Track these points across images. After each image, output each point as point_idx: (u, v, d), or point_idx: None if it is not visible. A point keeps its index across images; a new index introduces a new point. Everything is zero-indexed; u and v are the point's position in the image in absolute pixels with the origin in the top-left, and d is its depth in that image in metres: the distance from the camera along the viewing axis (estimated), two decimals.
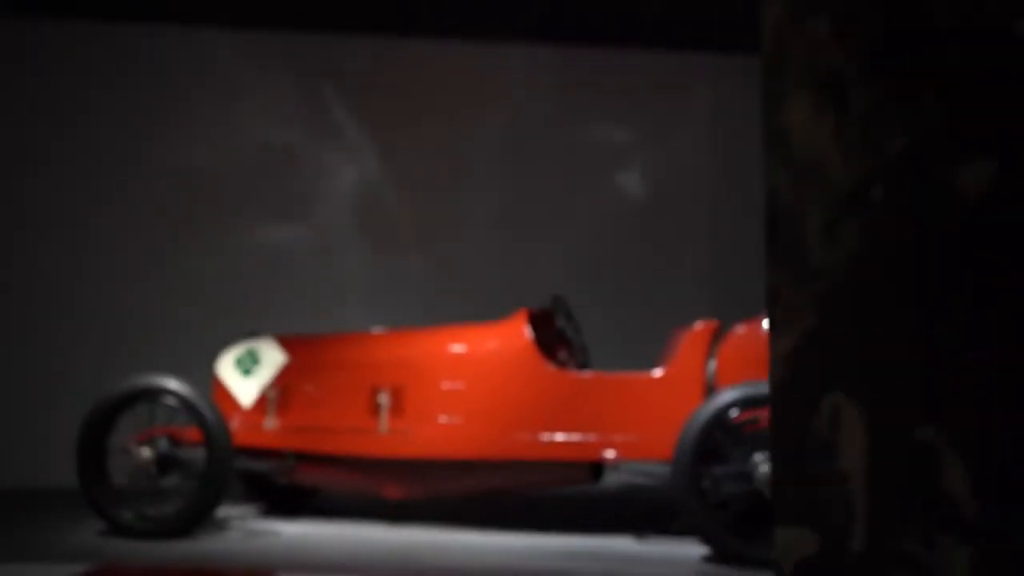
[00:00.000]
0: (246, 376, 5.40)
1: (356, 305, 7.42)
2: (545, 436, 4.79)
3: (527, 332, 4.93)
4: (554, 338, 5.29)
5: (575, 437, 4.76)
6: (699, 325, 4.75)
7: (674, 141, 7.91)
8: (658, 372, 4.77)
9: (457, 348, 5.06)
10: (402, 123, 7.70)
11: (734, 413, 4.34)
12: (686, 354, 4.70)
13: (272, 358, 5.39)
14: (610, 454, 4.71)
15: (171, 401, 4.87)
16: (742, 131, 7.80)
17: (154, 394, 4.88)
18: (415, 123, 7.69)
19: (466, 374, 4.96)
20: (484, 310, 5.79)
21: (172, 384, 4.86)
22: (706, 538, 4.30)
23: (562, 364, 5.09)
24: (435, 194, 7.70)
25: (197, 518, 4.80)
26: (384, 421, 5.03)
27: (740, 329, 4.74)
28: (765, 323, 4.69)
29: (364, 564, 4.25)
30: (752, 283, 7.55)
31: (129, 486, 4.96)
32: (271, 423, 5.24)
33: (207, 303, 7.29)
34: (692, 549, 4.62)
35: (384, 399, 5.04)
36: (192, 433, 5.01)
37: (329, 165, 7.65)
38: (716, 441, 4.33)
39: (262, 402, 5.31)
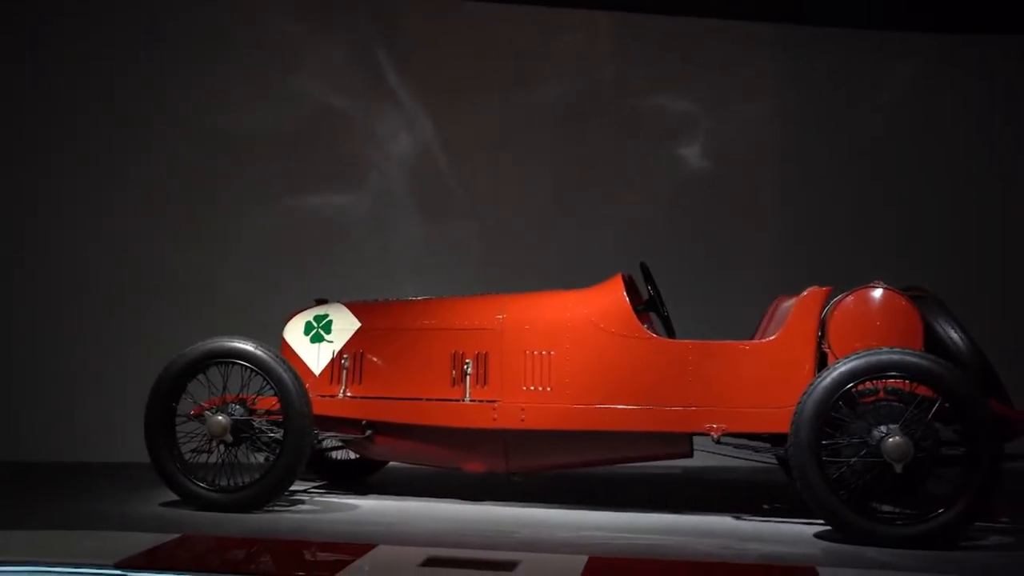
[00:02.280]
0: (316, 343, 5.13)
1: (407, 274, 7.16)
2: (644, 407, 4.53)
3: (625, 297, 4.66)
4: (641, 306, 5.02)
5: (677, 408, 4.50)
6: (810, 291, 4.48)
7: (736, 111, 7.62)
8: (767, 339, 4.50)
9: (548, 313, 4.78)
10: (457, 88, 7.41)
11: (855, 383, 4.07)
12: (797, 321, 4.43)
13: (344, 324, 5.12)
14: (715, 426, 4.44)
15: (247, 365, 4.58)
16: (806, 102, 7.57)
17: (228, 357, 4.60)
18: (470, 89, 7.41)
19: (558, 341, 4.69)
20: (540, 282, 5.54)
21: (248, 347, 4.58)
22: (827, 514, 4.04)
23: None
24: (490, 162, 7.43)
25: (275, 491, 4.53)
26: (468, 390, 4.76)
27: (849, 297, 4.48)
28: (875, 292, 4.44)
29: (462, 539, 3.99)
30: (816, 255, 7.37)
31: (199, 455, 4.69)
32: (345, 391, 4.97)
33: (256, 271, 7.03)
34: (792, 527, 4.38)
35: (468, 367, 4.77)
36: (266, 401, 4.75)
37: (382, 131, 7.37)
38: (837, 413, 4.06)
39: (334, 370, 5.05)
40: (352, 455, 5.75)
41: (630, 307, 4.63)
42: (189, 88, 7.09)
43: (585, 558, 3.55)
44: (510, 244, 7.32)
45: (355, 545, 3.69)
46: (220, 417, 4.56)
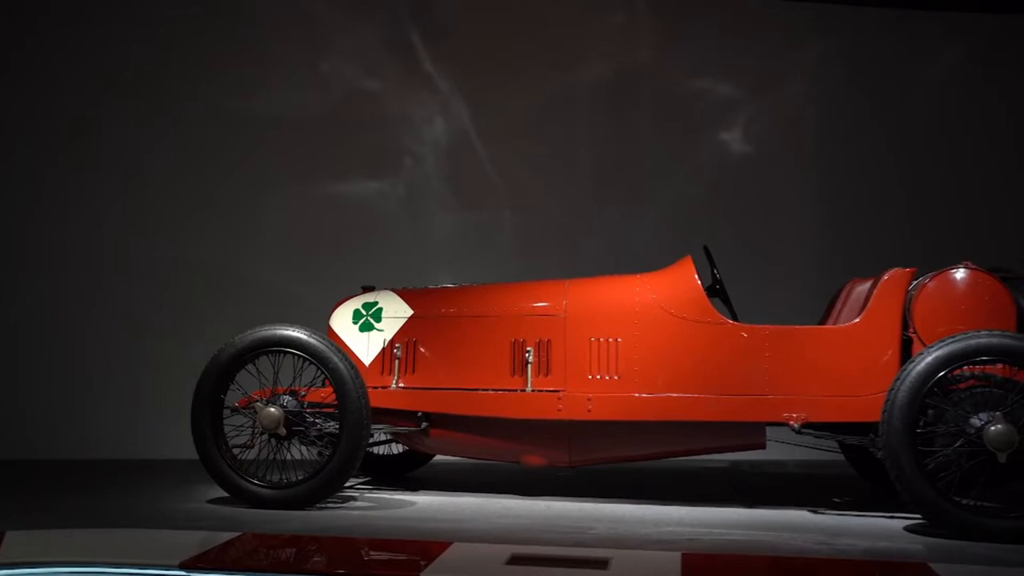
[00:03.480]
0: (366, 331, 4.90)
1: (442, 263, 6.96)
2: (717, 395, 4.31)
3: (697, 280, 4.44)
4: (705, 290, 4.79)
5: (752, 397, 4.27)
6: (893, 273, 4.26)
7: (779, 95, 7.40)
8: (848, 324, 4.28)
9: (614, 298, 4.56)
10: (493, 72, 7.19)
11: (950, 368, 3.84)
12: (881, 304, 4.21)
13: (395, 312, 4.89)
14: (794, 415, 4.22)
15: (299, 354, 4.35)
16: (850, 84, 7.35)
17: (280, 346, 4.36)
18: (507, 72, 7.19)
19: (625, 327, 4.46)
20: (579, 270, 5.31)
21: (302, 335, 4.35)
22: (924, 506, 3.81)
23: None
24: (527, 147, 7.21)
25: (330, 487, 4.29)
26: (530, 380, 4.53)
27: (934, 279, 4.25)
28: (961, 273, 4.22)
29: (538, 535, 3.76)
30: (861, 240, 7.14)
31: (245, 451, 4.45)
32: (397, 382, 4.74)
33: (286, 260, 6.83)
34: (875, 520, 4.17)
35: (530, 355, 4.54)
36: (316, 393, 4.53)
37: (416, 116, 7.15)
38: (931, 400, 3.84)
39: (385, 360, 4.82)
40: (395, 450, 5.54)
41: (702, 291, 4.41)
42: (216, 72, 6.89)
43: (678, 555, 3.32)
44: (548, 232, 7.12)
45: (429, 543, 3.46)
46: (272, 409, 4.33)
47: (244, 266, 6.72)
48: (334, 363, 4.27)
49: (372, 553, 3.41)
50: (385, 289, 5.06)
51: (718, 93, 7.38)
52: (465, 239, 7.07)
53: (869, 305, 4.22)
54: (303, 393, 4.49)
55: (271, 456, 4.42)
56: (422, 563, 3.09)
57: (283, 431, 4.32)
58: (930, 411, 3.86)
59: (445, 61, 7.12)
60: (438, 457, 5.63)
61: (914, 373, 3.84)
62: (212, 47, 6.85)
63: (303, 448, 4.40)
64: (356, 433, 4.24)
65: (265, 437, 4.41)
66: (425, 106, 7.13)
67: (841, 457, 5.20)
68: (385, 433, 4.73)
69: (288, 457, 4.42)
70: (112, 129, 6.73)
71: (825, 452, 4.93)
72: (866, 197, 7.20)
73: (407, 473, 5.65)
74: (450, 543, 3.42)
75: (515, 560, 3.21)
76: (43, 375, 6.55)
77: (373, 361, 4.83)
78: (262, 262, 6.74)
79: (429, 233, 7.04)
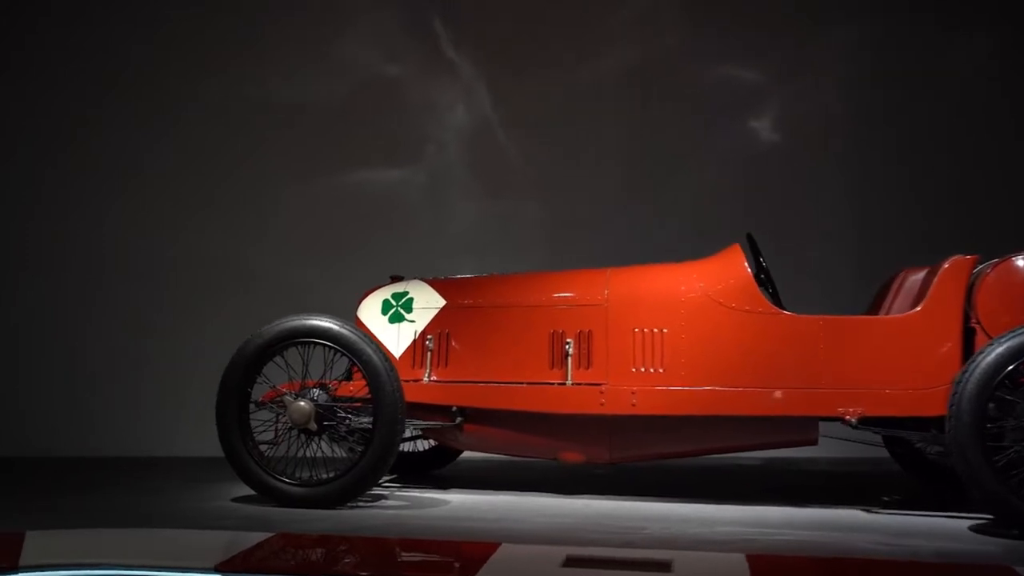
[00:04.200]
0: (396, 323, 4.70)
1: (465, 254, 6.73)
2: (769, 389, 4.10)
3: (747, 268, 4.23)
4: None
5: (806, 390, 4.07)
6: (954, 260, 4.05)
7: (810, 82, 7.18)
8: (907, 314, 4.08)
9: (658, 287, 4.35)
10: (517, 58, 6.99)
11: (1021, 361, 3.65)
12: (942, 293, 4.00)
13: (426, 303, 4.69)
14: (850, 410, 4.02)
15: (330, 345, 4.14)
16: (883, 71, 7.13)
17: (310, 337, 4.15)
18: (531, 58, 6.99)
19: (671, 317, 4.26)
20: (605, 262, 5.10)
21: (333, 325, 4.14)
22: (996, 504, 3.61)
23: None
24: (552, 135, 7.00)
25: (363, 485, 4.09)
26: (570, 372, 4.33)
27: (997, 267, 4.04)
28: (1021, 261, 4.01)
29: (589, 536, 3.56)
30: (894, 231, 6.93)
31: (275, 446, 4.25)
32: (430, 375, 4.54)
33: (305, 251, 6.64)
34: (936, 520, 3.97)
35: (570, 347, 4.34)
36: (346, 387, 4.33)
37: (439, 103, 6.95)
38: (1001, 393, 3.64)
39: (417, 352, 4.62)
40: (420, 447, 5.35)
41: (753, 279, 4.21)
42: (229, 59, 6.70)
43: (742, 556, 3.12)
44: (573, 222, 6.91)
45: (476, 544, 3.26)
46: (303, 403, 4.12)
47: (257, 260, 6.54)
48: (367, 355, 4.06)
49: (420, 555, 3.21)
50: (415, 278, 4.86)
51: (746, 80, 7.17)
52: (488, 229, 6.87)
53: (929, 294, 4.02)
54: (333, 387, 4.29)
55: (299, 452, 4.21)
56: (475, 566, 2.89)
57: (313, 426, 4.12)
58: (993, 405, 3.65)
59: (468, 46, 6.92)
60: (465, 454, 5.45)
61: (984, 365, 3.64)
62: (225, 33, 6.66)
63: (325, 444, 4.18)
64: (391, 428, 4.03)
65: (294, 433, 4.20)
66: (447, 92, 6.93)
67: (876, 453, 5.00)
68: (415, 429, 4.52)
69: (317, 453, 4.22)
70: (112, 128, 6.58)
71: (858, 448, 4.73)
72: (900, 186, 6.98)
73: (434, 471, 5.45)
74: (497, 544, 3.22)
75: (572, 562, 3.02)
76: (43, 374, 6.40)
77: (404, 353, 4.63)
78: (276, 255, 6.57)
79: (451, 222, 6.85)
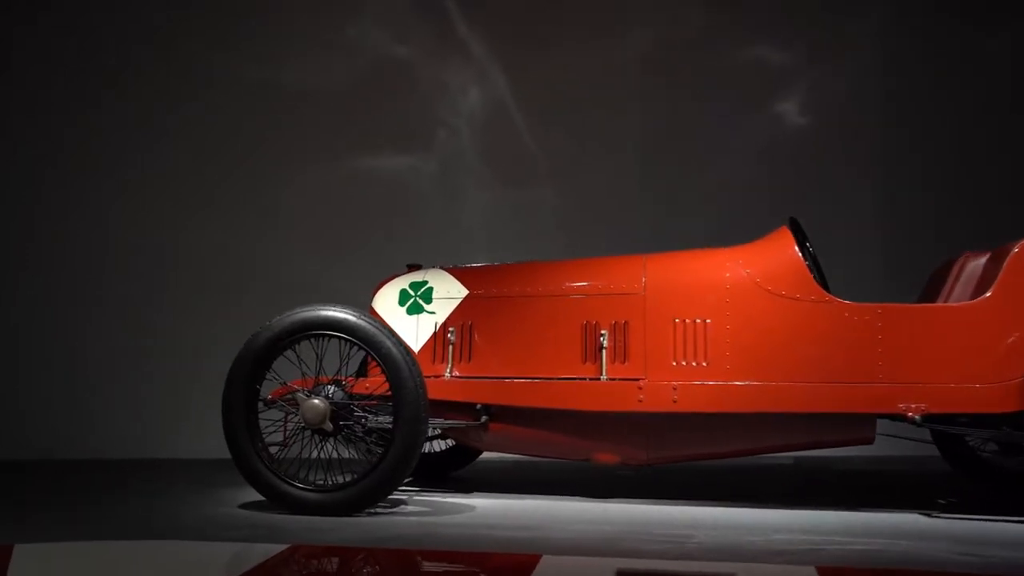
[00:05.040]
0: (414, 314, 4.37)
1: (478, 243, 6.45)
2: (822, 383, 3.78)
3: (798, 253, 3.91)
4: None
5: (863, 384, 3.74)
6: None
7: (839, 63, 6.86)
8: (976, 301, 3.75)
9: (700, 274, 4.02)
10: (533, 39, 6.67)
11: None
12: (1013, 278, 3.68)
13: (447, 292, 4.36)
14: (913, 406, 3.69)
15: (346, 338, 3.80)
16: (916, 49, 6.81)
17: (324, 329, 3.82)
18: (548, 38, 6.66)
19: (714, 306, 3.93)
20: (626, 252, 4.78)
21: (350, 316, 3.80)
22: None
23: None
24: (570, 120, 6.67)
25: (383, 489, 3.75)
26: (604, 367, 4.00)
27: None
28: None
29: (633, 546, 3.22)
30: (928, 218, 6.60)
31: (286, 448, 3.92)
32: (451, 371, 4.21)
33: (311, 241, 6.32)
34: (1004, 526, 3.65)
35: (604, 339, 4.01)
36: (363, 382, 4.00)
37: (451, 85, 6.63)
38: None
39: (437, 345, 4.29)
40: (438, 446, 5.02)
41: (804, 264, 3.88)
42: (236, 39, 6.37)
43: (812, 569, 2.80)
44: (591, 211, 6.61)
45: (516, 556, 2.93)
46: (317, 401, 3.78)
47: (260, 254, 6.22)
48: (387, 348, 3.73)
49: (453, 569, 2.88)
50: (434, 266, 4.53)
51: (774, 62, 6.84)
52: (502, 218, 6.55)
53: (999, 279, 3.69)
54: (348, 383, 3.96)
55: (312, 454, 3.88)
56: None
57: (329, 426, 3.78)
58: None
59: (481, 26, 6.59)
60: (484, 455, 5.13)
61: None
62: (228, 12, 6.32)
63: (332, 444, 3.86)
64: (413, 427, 3.70)
65: (306, 433, 3.86)
66: (460, 74, 6.61)
67: (912, 452, 4.67)
68: (436, 428, 4.18)
69: (332, 455, 3.88)
70: (112, 127, 6.33)
71: (890, 445, 4.39)
72: (935, 172, 6.66)
73: (452, 472, 5.13)
74: (538, 556, 2.89)
75: None
76: (43, 375, 6.10)
77: (423, 347, 4.30)
78: (279, 248, 6.25)
79: (463, 212, 6.54)
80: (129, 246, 6.23)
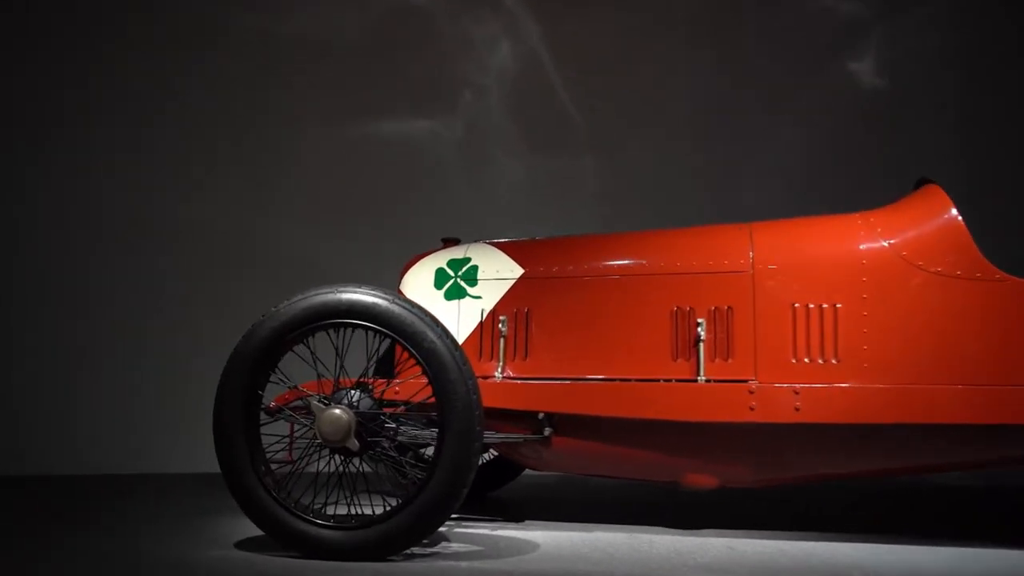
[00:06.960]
0: (454, 299, 3.50)
1: (508, 218, 5.72)
2: (993, 387, 2.92)
3: (958, 216, 3.04)
4: None
5: None
6: None
7: (917, 14, 6.04)
8: None
9: (826, 247, 3.16)
10: None
11: None
12: None
13: (496, 272, 3.50)
14: None
15: (375, 328, 2.91)
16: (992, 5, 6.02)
17: (346, 317, 2.92)
18: None
19: (847, 288, 3.08)
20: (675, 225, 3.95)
21: (380, 300, 2.91)
22: None
23: None
24: (611, 80, 5.91)
25: (428, 525, 2.85)
26: (702, 365, 3.13)
27: None
28: None
29: None
30: (1009, 187, 5.74)
31: (289, 466, 3.02)
32: (503, 370, 3.34)
33: (322, 215, 5.53)
34: None
35: (702, 330, 3.14)
36: (395, 387, 3.13)
37: (478, 40, 5.84)
38: None
39: (485, 338, 3.42)
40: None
41: (968, 233, 3.01)
42: None
43: None
44: (636, 182, 5.87)
45: None
46: (338, 411, 2.89)
47: (262, 227, 5.39)
48: (431, 341, 2.84)
49: None
50: (480, 242, 3.65)
51: (842, 13, 6.02)
52: (535, 190, 5.80)
53: None
54: (376, 387, 3.08)
55: (328, 479, 2.99)
56: None
57: (355, 444, 2.89)
58: None
59: None
60: (525, 472, 4.30)
61: None
62: None
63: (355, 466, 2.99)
64: (465, 445, 2.81)
65: (323, 452, 2.98)
66: (488, 27, 5.79)
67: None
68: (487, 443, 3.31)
69: (355, 480, 3.00)
70: (113, 126, 5.54)
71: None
72: (1009, 136, 5.85)
73: (490, 492, 4.27)
74: None
75: None
76: (41, 377, 5.35)
77: (467, 340, 3.44)
78: (284, 220, 5.42)
79: (491, 183, 5.77)
80: (129, 214, 5.43)
